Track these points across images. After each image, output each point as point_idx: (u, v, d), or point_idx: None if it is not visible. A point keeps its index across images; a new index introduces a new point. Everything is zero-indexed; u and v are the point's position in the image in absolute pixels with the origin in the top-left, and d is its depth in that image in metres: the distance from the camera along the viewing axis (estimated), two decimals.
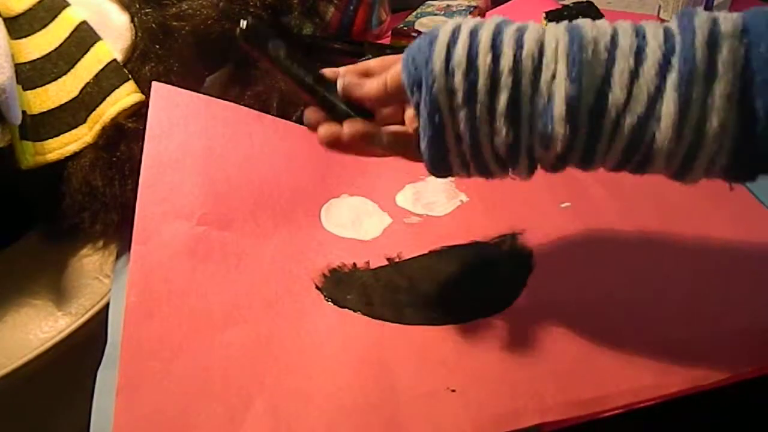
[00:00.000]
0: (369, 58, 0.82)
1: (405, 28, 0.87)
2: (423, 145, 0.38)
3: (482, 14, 0.94)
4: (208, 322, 0.47)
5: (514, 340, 0.45)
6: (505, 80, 0.35)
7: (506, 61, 0.35)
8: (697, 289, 0.47)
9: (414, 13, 0.92)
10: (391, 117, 0.43)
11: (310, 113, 0.41)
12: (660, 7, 0.81)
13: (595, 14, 0.82)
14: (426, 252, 0.53)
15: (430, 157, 0.39)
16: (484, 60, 0.35)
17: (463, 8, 0.91)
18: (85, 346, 0.54)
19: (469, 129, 0.36)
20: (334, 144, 0.40)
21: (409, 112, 0.42)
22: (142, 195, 0.52)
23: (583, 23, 0.36)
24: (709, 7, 0.82)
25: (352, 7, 0.87)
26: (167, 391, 0.43)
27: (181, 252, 0.51)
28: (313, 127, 0.41)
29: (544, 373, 0.42)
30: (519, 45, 0.35)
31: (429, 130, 0.37)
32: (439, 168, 0.40)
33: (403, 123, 0.43)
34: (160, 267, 0.49)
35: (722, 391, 0.41)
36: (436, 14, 0.90)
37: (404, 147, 0.41)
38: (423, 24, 0.88)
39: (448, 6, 0.92)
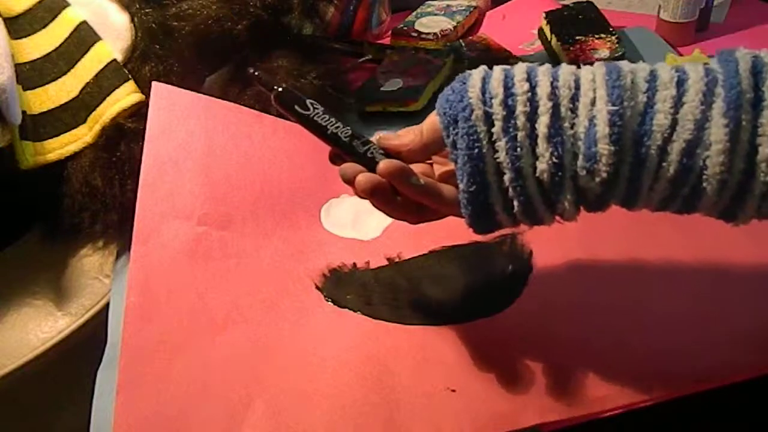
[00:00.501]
0: (369, 58, 0.83)
1: (405, 28, 0.87)
2: (462, 185, 0.36)
3: (482, 14, 0.94)
4: (208, 322, 0.47)
5: (514, 340, 0.45)
6: (544, 104, 0.34)
7: (543, 90, 0.35)
8: (697, 289, 0.47)
9: (414, 13, 0.92)
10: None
11: (347, 168, 0.40)
12: (660, 7, 0.81)
13: (595, 14, 0.82)
14: (426, 252, 0.53)
15: (469, 197, 0.36)
16: (520, 87, 0.35)
17: (463, 8, 0.91)
18: (85, 346, 0.54)
19: (511, 157, 0.35)
20: (374, 191, 0.38)
21: (440, 168, 0.41)
22: (142, 195, 0.52)
23: (620, 63, 0.35)
24: (708, 7, 0.82)
25: (352, 7, 0.87)
26: (167, 391, 0.43)
27: (181, 252, 0.51)
28: (350, 181, 0.39)
29: (544, 372, 0.42)
30: (554, 77, 0.35)
31: (468, 166, 0.36)
32: (480, 213, 0.37)
33: None
34: (160, 267, 0.50)
35: (722, 392, 0.41)
36: (436, 14, 0.90)
37: (439, 197, 0.39)
38: (423, 24, 0.88)
39: (448, 6, 0.92)
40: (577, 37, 0.78)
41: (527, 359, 0.43)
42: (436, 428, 0.40)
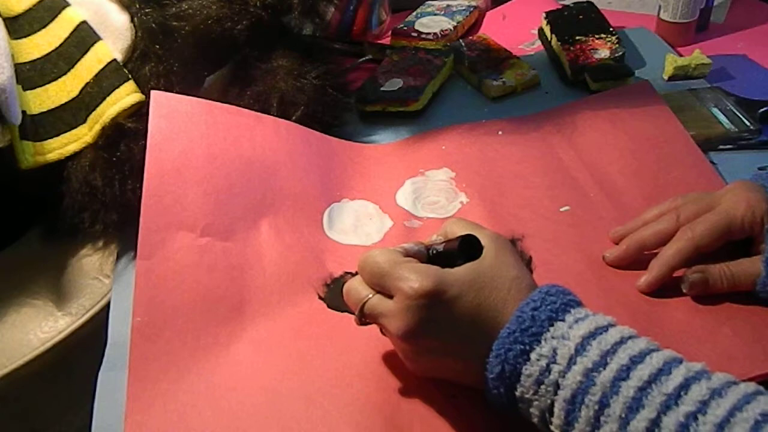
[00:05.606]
0: (369, 58, 0.83)
1: (405, 28, 0.87)
2: None
3: (482, 14, 0.94)
4: (213, 341, 0.47)
5: None
6: None
7: None
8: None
9: (414, 13, 0.92)
10: None
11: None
12: (660, 7, 0.81)
13: (595, 14, 0.82)
14: None
15: None
16: None
17: (463, 8, 0.91)
18: (85, 346, 0.54)
19: None
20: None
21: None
22: (146, 207, 0.51)
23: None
24: (708, 7, 0.82)
25: (352, 7, 0.87)
26: (175, 413, 0.43)
27: (185, 266, 0.50)
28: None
29: None
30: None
31: None
32: None
33: None
34: (164, 284, 0.49)
35: None
36: (436, 14, 0.90)
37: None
38: (423, 24, 0.88)
39: (448, 6, 0.92)
40: (577, 37, 0.78)
41: None
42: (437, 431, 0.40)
